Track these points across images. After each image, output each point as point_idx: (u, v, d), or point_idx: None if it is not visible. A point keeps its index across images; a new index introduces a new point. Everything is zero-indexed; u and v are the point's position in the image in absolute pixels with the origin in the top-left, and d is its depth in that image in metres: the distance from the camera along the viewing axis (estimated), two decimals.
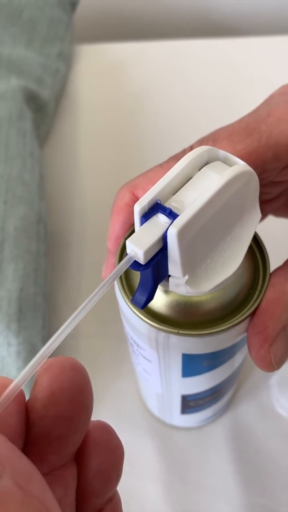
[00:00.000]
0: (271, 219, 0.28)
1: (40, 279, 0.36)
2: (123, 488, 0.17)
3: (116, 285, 0.22)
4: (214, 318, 0.20)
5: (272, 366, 0.20)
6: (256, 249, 0.22)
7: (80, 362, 0.15)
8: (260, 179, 0.19)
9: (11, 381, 0.13)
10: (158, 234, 0.16)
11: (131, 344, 0.25)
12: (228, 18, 0.69)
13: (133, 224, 0.24)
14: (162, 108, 0.53)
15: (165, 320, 0.20)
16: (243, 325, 0.21)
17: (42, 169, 0.44)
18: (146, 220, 0.17)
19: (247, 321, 0.21)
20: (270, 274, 0.21)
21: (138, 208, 0.17)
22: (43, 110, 0.49)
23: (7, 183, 0.38)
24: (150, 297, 0.18)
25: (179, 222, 0.16)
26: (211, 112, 0.51)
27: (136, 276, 0.21)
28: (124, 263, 0.16)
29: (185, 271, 0.17)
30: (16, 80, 0.47)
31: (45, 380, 0.14)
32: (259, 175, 0.19)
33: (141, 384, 0.32)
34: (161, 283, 0.19)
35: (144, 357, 0.24)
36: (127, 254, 0.17)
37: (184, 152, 0.23)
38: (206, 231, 0.17)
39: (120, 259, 0.22)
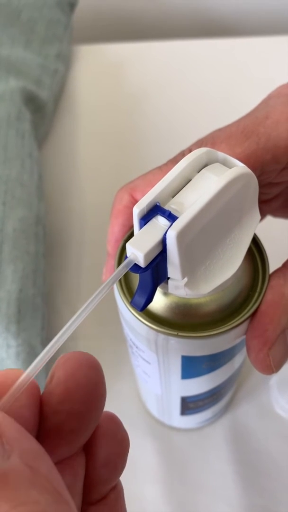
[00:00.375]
0: (270, 220, 0.28)
1: (39, 280, 0.36)
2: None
3: (115, 287, 0.22)
4: (213, 320, 0.20)
5: (271, 369, 0.20)
6: (256, 250, 0.22)
7: (95, 358, 0.15)
8: (259, 181, 0.19)
9: (22, 372, 0.14)
10: (158, 237, 0.16)
11: (130, 346, 0.25)
12: (227, 18, 0.69)
13: (132, 227, 0.24)
14: (161, 108, 0.53)
15: (164, 322, 0.20)
16: (243, 327, 0.21)
17: (41, 170, 0.44)
18: (145, 223, 0.17)
19: (246, 323, 0.21)
20: (269, 276, 0.21)
21: (137, 211, 0.17)
22: (42, 111, 0.49)
23: (6, 184, 0.38)
24: (149, 299, 0.18)
25: (178, 224, 0.16)
26: (211, 113, 0.51)
27: (135, 278, 0.21)
28: (124, 266, 0.16)
29: (184, 273, 0.17)
30: (15, 81, 0.46)
31: (62, 376, 0.15)
32: (258, 177, 0.19)
33: (141, 386, 0.32)
34: (160, 285, 0.19)
35: (144, 359, 0.24)
36: (126, 256, 0.17)
37: (182, 155, 0.23)
38: (205, 233, 0.17)
39: (119, 261, 0.22)
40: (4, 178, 0.38)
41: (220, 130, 0.23)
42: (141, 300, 0.18)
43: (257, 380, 0.37)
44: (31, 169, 0.41)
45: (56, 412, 0.14)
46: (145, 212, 0.17)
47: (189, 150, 0.23)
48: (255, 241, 0.22)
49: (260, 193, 0.21)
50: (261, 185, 0.22)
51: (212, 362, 0.23)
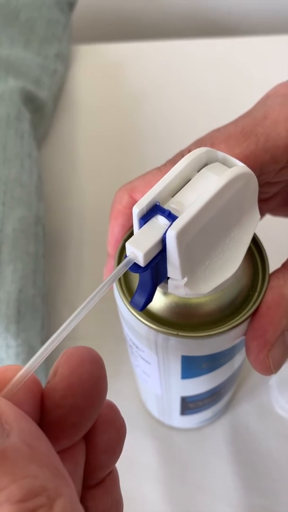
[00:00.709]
0: (269, 220, 0.28)
1: (38, 280, 0.36)
2: (122, 488, 0.18)
3: (115, 287, 0.21)
4: (213, 320, 0.20)
5: (270, 370, 0.20)
6: (255, 250, 0.22)
7: (97, 353, 0.16)
8: (258, 180, 0.19)
9: (21, 367, 0.14)
10: (157, 236, 0.16)
11: (130, 346, 0.25)
12: (227, 17, 0.69)
13: (132, 227, 0.24)
14: (160, 108, 0.53)
15: (164, 322, 0.20)
16: (243, 326, 0.21)
17: (40, 170, 0.44)
18: (144, 222, 0.17)
19: (246, 322, 0.20)
20: (269, 276, 0.21)
21: (136, 210, 0.17)
22: (41, 111, 0.49)
23: (5, 184, 0.38)
24: (149, 299, 0.18)
25: (178, 224, 0.16)
26: (210, 112, 0.51)
27: (135, 278, 0.21)
28: (124, 265, 0.16)
29: (184, 273, 0.17)
30: (14, 81, 0.46)
31: (65, 371, 0.15)
32: (257, 177, 0.19)
33: (140, 386, 0.32)
34: (160, 285, 0.19)
35: (143, 359, 0.24)
36: (126, 256, 0.17)
37: (181, 155, 0.23)
38: (205, 233, 0.17)
39: (119, 261, 0.22)
40: (4, 178, 0.38)
41: (218, 130, 0.23)
42: (140, 300, 0.18)
43: (257, 380, 0.37)
44: (30, 169, 0.41)
45: (58, 407, 0.15)
46: (145, 212, 0.17)
47: (188, 150, 0.23)
48: (255, 241, 0.22)
49: (259, 192, 0.21)
50: (260, 185, 0.22)
51: (212, 362, 0.23)
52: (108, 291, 0.16)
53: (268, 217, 0.28)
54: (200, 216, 0.16)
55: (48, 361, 0.16)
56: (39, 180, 0.42)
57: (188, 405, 0.29)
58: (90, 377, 0.15)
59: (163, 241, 0.16)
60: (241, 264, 0.19)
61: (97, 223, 0.42)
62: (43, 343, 0.35)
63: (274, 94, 0.23)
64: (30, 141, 0.43)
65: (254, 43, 0.59)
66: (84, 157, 0.50)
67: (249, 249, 0.22)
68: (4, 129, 0.42)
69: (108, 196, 0.28)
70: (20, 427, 0.12)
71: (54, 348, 0.15)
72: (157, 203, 0.17)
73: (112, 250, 0.25)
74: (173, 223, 0.16)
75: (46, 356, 0.15)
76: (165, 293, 0.20)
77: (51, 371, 0.15)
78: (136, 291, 0.18)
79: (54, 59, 0.53)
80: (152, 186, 0.17)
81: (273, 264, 0.22)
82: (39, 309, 0.35)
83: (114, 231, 0.24)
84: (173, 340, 0.20)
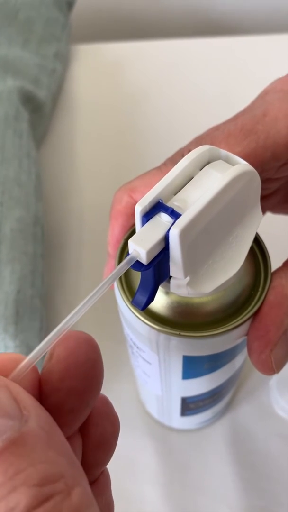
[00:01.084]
0: (270, 218, 0.28)
1: (37, 281, 0.36)
2: (122, 490, 0.18)
3: (115, 286, 0.21)
4: (215, 320, 0.20)
5: (272, 370, 0.20)
6: (257, 249, 0.22)
7: (93, 337, 0.16)
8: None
9: (24, 357, 0.14)
10: (161, 234, 0.16)
11: (130, 346, 0.25)
12: (227, 16, 0.69)
13: (132, 227, 0.23)
14: (160, 108, 0.53)
15: (166, 322, 0.20)
16: (245, 326, 0.20)
17: (39, 170, 0.43)
18: (147, 220, 0.16)
19: (248, 322, 0.20)
20: (271, 275, 0.21)
21: (139, 209, 0.16)
22: (40, 111, 0.49)
23: (4, 184, 0.38)
24: (151, 298, 0.18)
25: (182, 222, 0.16)
26: (211, 111, 0.51)
27: (136, 277, 0.21)
28: (126, 263, 0.16)
29: (186, 272, 0.17)
30: (12, 81, 0.46)
31: (62, 353, 0.15)
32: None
33: (140, 387, 0.32)
34: (161, 284, 0.19)
35: (144, 359, 0.24)
36: (128, 254, 0.16)
37: (181, 154, 0.23)
38: (208, 231, 0.17)
39: (120, 260, 0.22)
40: (2, 178, 0.38)
41: (218, 128, 0.22)
42: (142, 299, 0.18)
43: (257, 381, 0.36)
44: (29, 169, 0.41)
45: (56, 390, 0.15)
46: (148, 209, 0.17)
47: (188, 149, 0.23)
48: (257, 239, 0.22)
49: (260, 189, 0.21)
50: (261, 181, 0.22)
51: (213, 362, 0.23)
52: (107, 291, 0.16)
53: (269, 215, 0.28)
54: (203, 214, 0.16)
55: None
56: (37, 180, 0.42)
57: (189, 406, 0.29)
58: (87, 360, 0.15)
59: (166, 239, 0.16)
60: (243, 263, 0.19)
61: (97, 223, 0.42)
62: None
63: (273, 89, 0.23)
64: (28, 141, 0.43)
65: (254, 42, 0.59)
66: (83, 157, 0.50)
67: (251, 248, 0.22)
68: (2, 129, 0.41)
69: (107, 196, 0.28)
70: (37, 414, 0.13)
71: (53, 345, 0.15)
72: (160, 201, 0.17)
73: (112, 250, 0.25)
74: (177, 221, 0.16)
75: (45, 353, 0.15)
76: (167, 292, 0.20)
77: (46, 356, 0.15)
78: (138, 290, 0.18)
79: (52, 58, 0.53)
80: (151, 186, 0.17)
81: (274, 263, 0.22)
82: (38, 310, 0.35)
83: (114, 232, 0.24)
84: (174, 340, 0.20)
